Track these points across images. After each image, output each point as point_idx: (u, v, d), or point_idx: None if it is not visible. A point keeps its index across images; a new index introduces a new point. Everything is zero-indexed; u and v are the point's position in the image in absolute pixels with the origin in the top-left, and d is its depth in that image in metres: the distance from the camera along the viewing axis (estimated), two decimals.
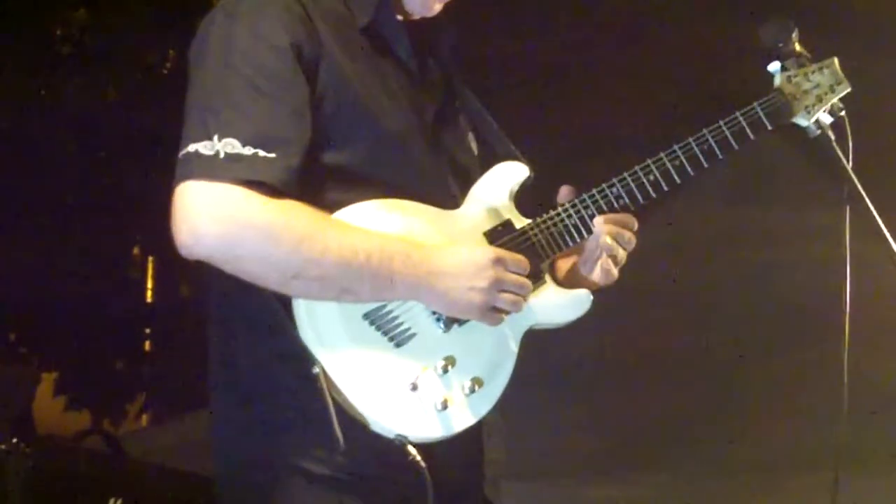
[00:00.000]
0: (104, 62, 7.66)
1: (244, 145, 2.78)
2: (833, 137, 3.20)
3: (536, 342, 3.15)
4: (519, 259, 2.95)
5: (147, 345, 8.63)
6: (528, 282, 2.95)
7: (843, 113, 3.24)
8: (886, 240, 3.09)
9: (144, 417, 8.55)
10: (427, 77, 3.19)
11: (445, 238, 2.98)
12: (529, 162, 3.16)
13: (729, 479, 6.94)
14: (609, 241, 3.08)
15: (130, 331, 8.43)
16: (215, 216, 2.75)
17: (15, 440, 5.30)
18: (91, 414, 8.16)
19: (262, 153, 2.78)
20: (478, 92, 3.31)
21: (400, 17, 3.15)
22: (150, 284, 8.71)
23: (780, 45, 3.22)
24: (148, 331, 8.57)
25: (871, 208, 3.12)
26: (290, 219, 2.78)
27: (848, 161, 3.18)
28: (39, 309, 7.65)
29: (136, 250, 8.54)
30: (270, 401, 2.90)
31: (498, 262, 2.91)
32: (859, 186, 3.15)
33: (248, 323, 2.92)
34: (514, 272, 2.93)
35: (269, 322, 2.86)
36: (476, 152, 3.26)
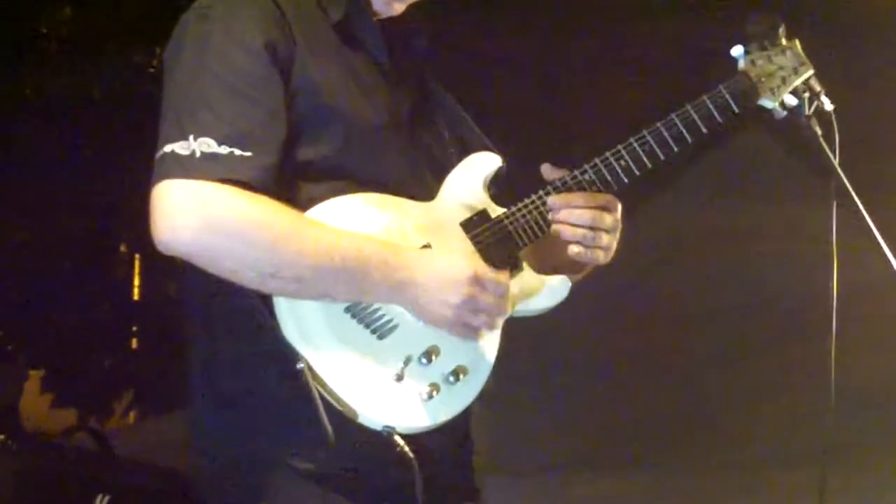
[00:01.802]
0: (90, 60, 7.65)
1: (220, 144, 2.79)
2: (820, 133, 3.20)
3: (527, 340, 3.15)
4: (497, 280, 2.94)
5: (134, 342, 8.62)
6: (504, 304, 2.95)
7: (806, 94, 3.24)
8: (874, 235, 3.10)
9: (132, 414, 8.53)
10: (401, 75, 3.20)
11: (422, 230, 3.00)
12: (502, 153, 3.17)
13: (717, 475, 6.96)
14: (564, 228, 3.08)
15: (117, 328, 8.41)
16: (193, 213, 2.77)
17: (2, 437, 5.29)
18: (78, 411, 8.13)
19: (237, 152, 2.80)
20: (454, 87, 3.32)
21: (374, 17, 3.16)
22: (136, 282, 8.69)
23: (767, 42, 3.22)
24: (135, 328, 8.55)
25: (859, 204, 3.13)
26: (267, 218, 2.79)
27: (835, 156, 3.19)
28: (26, 306, 7.64)
29: (122, 248, 8.52)
30: (254, 399, 2.91)
31: (475, 280, 2.90)
32: (846, 182, 3.16)
33: (230, 322, 2.93)
34: (490, 293, 2.92)
35: (251, 320, 2.87)
36: (453, 148, 3.26)
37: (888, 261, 3.09)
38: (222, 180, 2.78)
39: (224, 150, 2.79)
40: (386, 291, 2.87)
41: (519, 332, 3.08)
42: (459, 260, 2.95)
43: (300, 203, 2.89)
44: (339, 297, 2.86)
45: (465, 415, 3.01)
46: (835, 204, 3.19)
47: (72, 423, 7.94)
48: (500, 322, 2.96)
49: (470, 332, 2.92)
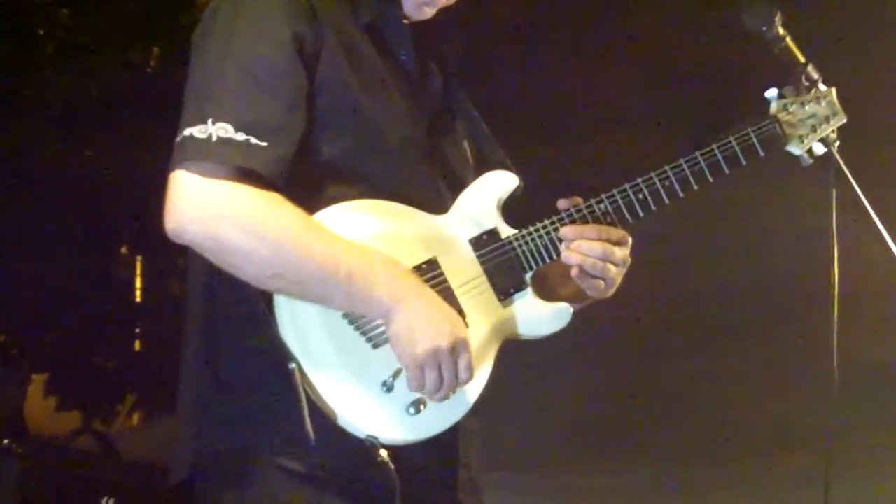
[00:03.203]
0: (88, 61, 7.65)
1: (237, 131, 2.80)
2: None
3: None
4: (470, 365, 2.91)
5: (137, 344, 8.62)
6: (454, 388, 2.90)
7: (837, 143, 3.23)
8: (872, 219, 3.10)
9: (136, 416, 8.53)
10: (426, 80, 3.20)
11: (429, 242, 3.00)
12: (519, 172, 3.16)
13: (720, 463, 6.95)
14: (573, 254, 3.07)
15: (120, 330, 8.42)
16: (203, 206, 2.78)
17: (6, 441, 5.30)
18: (82, 414, 8.14)
19: (253, 140, 2.80)
20: (476, 93, 3.32)
21: (405, 20, 3.16)
22: (138, 284, 8.70)
23: (764, 29, 3.21)
24: (137, 330, 8.55)
25: (857, 189, 3.13)
26: (276, 218, 2.80)
27: (833, 142, 3.19)
28: (29, 310, 7.64)
29: (123, 250, 8.52)
30: (249, 394, 2.93)
31: (462, 344, 2.89)
32: (845, 168, 3.16)
33: (230, 315, 2.95)
34: (461, 367, 2.89)
35: (250, 316, 2.88)
36: (471, 159, 3.26)
37: (887, 245, 3.09)
38: (236, 168, 2.79)
39: (241, 136, 2.80)
40: (385, 302, 2.86)
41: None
42: (458, 317, 2.94)
43: (313, 200, 2.90)
44: (336, 305, 2.87)
45: (454, 432, 3.02)
46: (834, 190, 3.19)
47: (76, 425, 7.94)
48: (445, 394, 2.90)
49: (417, 377, 2.87)
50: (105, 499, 5.48)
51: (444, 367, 2.86)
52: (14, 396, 7.73)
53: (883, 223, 3.12)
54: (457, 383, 2.90)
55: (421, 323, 2.85)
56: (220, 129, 2.80)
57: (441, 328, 2.86)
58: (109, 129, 7.63)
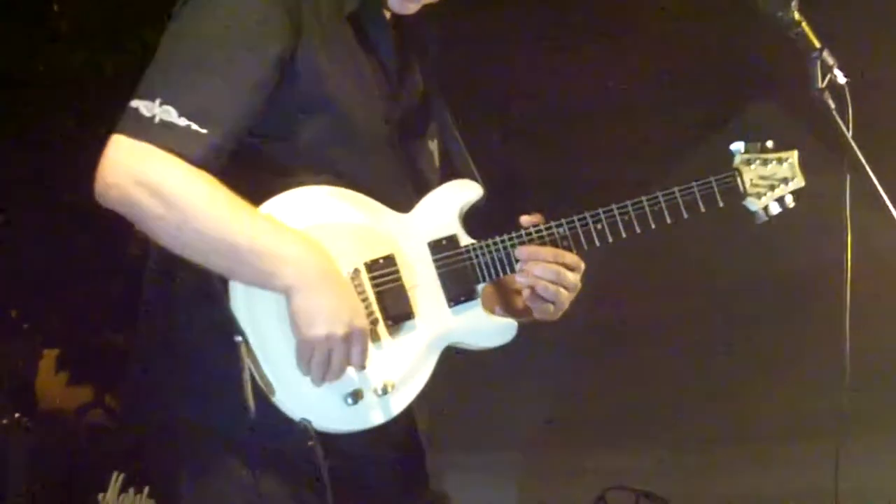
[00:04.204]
0: (102, 37, 7.64)
1: (180, 116, 2.83)
2: (833, 106, 3.19)
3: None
4: (363, 353, 2.91)
5: None
6: (340, 374, 2.91)
7: (792, 205, 3.32)
8: (887, 208, 3.09)
9: None
10: (404, 77, 3.23)
11: (388, 239, 3.04)
12: (484, 183, 3.19)
13: (730, 449, 6.95)
14: (526, 276, 3.12)
15: (132, 306, 8.42)
16: (123, 174, 2.82)
17: (18, 415, 5.32)
18: (93, 389, 8.15)
19: (194, 126, 2.83)
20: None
21: (387, 14, 3.17)
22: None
23: (780, 13, 3.20)
24: None
25: (873, 177, 3.12)
26: (189, 189, 2.82)
27: (848, 130, 3.18)
28: (41, 285, 7.65)
29: (136, 227, 8.53)
30: (199, 365, 2.96)
31: (358, 335, 2.89)
32: (860, 155, 3.15)
33: (187, 283, 2.97)
34: (354, 354, 2.90)
35: (204, 288, 2.91)
36: (437, 162, 3.29)
37: None
38: (168, 150, 2.81)
39: (182, 122, 2.83)
40: (283, 286, 2.87)
41: None
42: (361, 309, 2.94)
43: (280, 185, 2.94)
44: (244, 279, 2.88)
45: (407, 427, 3.09)
46: (848, 178, 3.19)
47: (87, 400, 7.97)
48: (331, 377, 2.91)
49: (305, 354, 2.89)
50: (115, 474, 5.50)
51: (333, 353, 2.87)
52: (26, 371, 7.74)
53: None
54: (345, 368, 2.90)
55: (320, 308, 2.86)
56: (164, 112, 2.83)
57: (339, 316, 2.86)
58: (123, 107, 7.64)
